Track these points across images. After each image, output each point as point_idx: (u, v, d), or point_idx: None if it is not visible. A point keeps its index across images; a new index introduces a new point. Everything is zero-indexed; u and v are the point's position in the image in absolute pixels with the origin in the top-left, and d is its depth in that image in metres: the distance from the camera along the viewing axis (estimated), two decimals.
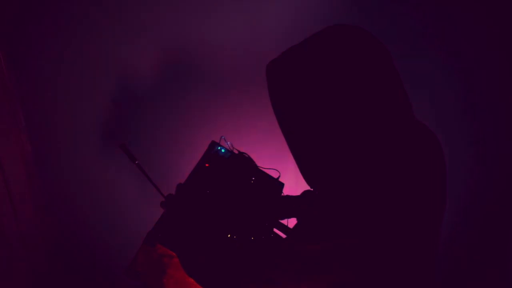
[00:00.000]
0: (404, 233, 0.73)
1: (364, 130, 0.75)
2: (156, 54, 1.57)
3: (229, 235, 1.01)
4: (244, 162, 1.23)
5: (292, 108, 0.80)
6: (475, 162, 1.59)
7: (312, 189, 1.00)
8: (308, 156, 0.84)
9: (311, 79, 0.76)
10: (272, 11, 1.53)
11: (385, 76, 0.77)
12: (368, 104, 0.75)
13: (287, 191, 1.28)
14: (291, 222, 1.21)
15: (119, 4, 1.48)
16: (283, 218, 1.18)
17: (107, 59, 1.55)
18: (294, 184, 1.41)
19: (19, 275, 1.58)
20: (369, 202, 0.74)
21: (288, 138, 0.88)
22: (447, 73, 1.53)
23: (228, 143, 1.26)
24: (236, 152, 1.25)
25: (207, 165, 1.16)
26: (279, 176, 1.27)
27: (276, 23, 1.54)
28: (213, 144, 1.23)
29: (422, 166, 0.77)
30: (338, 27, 0.79)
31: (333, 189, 0.81)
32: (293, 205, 1.17)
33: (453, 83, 1.54)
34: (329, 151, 0.78)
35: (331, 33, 0.79)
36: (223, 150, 1.23)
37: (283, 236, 1.17)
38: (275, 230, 1.18)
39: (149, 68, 1.59)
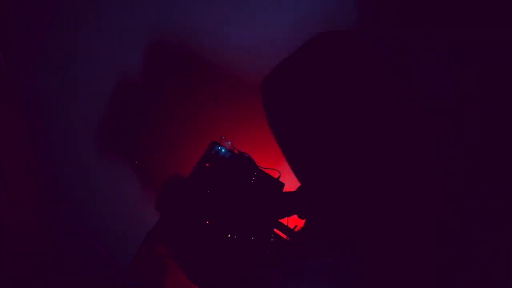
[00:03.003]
0: (403, 234, 0.74)
1: (358, 136, 0.76)
2: (157, 55, 1.57)
3: (229, 235, 1.01)
4: (244, 162, 1.23)
5: (289, 121, 0.81)
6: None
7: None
8: (307, 164, 0.85)
9: (303, 90, 0.77)
10: (276, 18, 1.53)
11: (376, 81, 0.78)
12: (361, 109, 0.75)
13: (287, 191, 1.28)
14: (291, 222, 1.21)
15: (120, 4, 1.48)
16: (283, 217, 1.18)
17: (107, 59, 1.55)
18: (294, 184, 1.41)
19: (18, 275, 1.58)
20: (365, 204, 0.74)
21: (286, 151, 0.89)
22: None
23: (229, 143, 1.26)
24: (237, 152, 1.25)
25: (207, 165, 1.16)
26: (279, 176, 1.27)
27: (278, 28, 1.53)
28: (213, 144, 1.23)
29: (417, 168, 0.78)
30: (326, 34, 0.80)
31: (331, 192, 0.82)
32: (292, 204, 1.17)
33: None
34: (328, 157, 0.79)
35: (318, 42, 0.80)
36: (223, 150, 1.23)
37: (283, 235, 1.17)
38: (275, 230, 1.18)
39: (149, 68, 1.59)
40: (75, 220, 1.75)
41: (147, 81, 1.60)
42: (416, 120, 0.83)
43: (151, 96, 1.62)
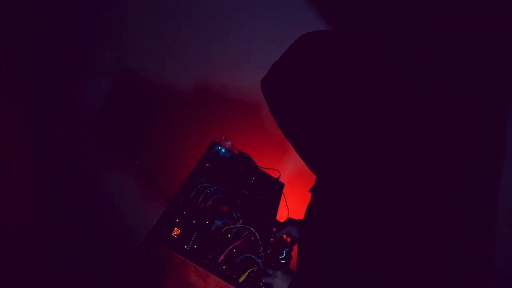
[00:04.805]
0: (403, 234, 0.74)
1: (357, 137, 0.77)
2: (157, 55, 1.58)
3: (229, 235, 1.01)
4: (245, 162, 1.23)
5: (289, 112, 0.83)
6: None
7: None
8: (310, 149, 0.86)
9: (295, 85, 0.79)
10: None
11: (358, 71, 0.78)
12: (349, 99, 0.76)
13: (287, 191, 1.28)
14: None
15: (122, 4, 1.48)
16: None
17: (108, 60, 1.55)
18: (294, 184, 1.41)
19: (18, 275, 1.58)
20: (365, 204, 0.75)
21: (290, 136, 0.90)
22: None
23: (229, 143, 1.26)
24: (237, 152, 1.25)
25: (207, 165, 1.16)
26: (279, 176, 1.28)
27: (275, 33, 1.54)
28: (214, 144, 1.23)
29: (417, 168, 0.78)
30: (307, 34, 0.82)
31: (330, 192, 0.83)
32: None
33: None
34: (326, 142, 0.80)
35: (301, 41, 0.83)
36: (223, 150, 1.23)
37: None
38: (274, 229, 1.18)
39: (150, 68, 1.59)
40: (75, 220, 1.75)
41: (147, 82, 1.60)
42: (416, 120, 0.83)
43: (151, 97, 1.62)
